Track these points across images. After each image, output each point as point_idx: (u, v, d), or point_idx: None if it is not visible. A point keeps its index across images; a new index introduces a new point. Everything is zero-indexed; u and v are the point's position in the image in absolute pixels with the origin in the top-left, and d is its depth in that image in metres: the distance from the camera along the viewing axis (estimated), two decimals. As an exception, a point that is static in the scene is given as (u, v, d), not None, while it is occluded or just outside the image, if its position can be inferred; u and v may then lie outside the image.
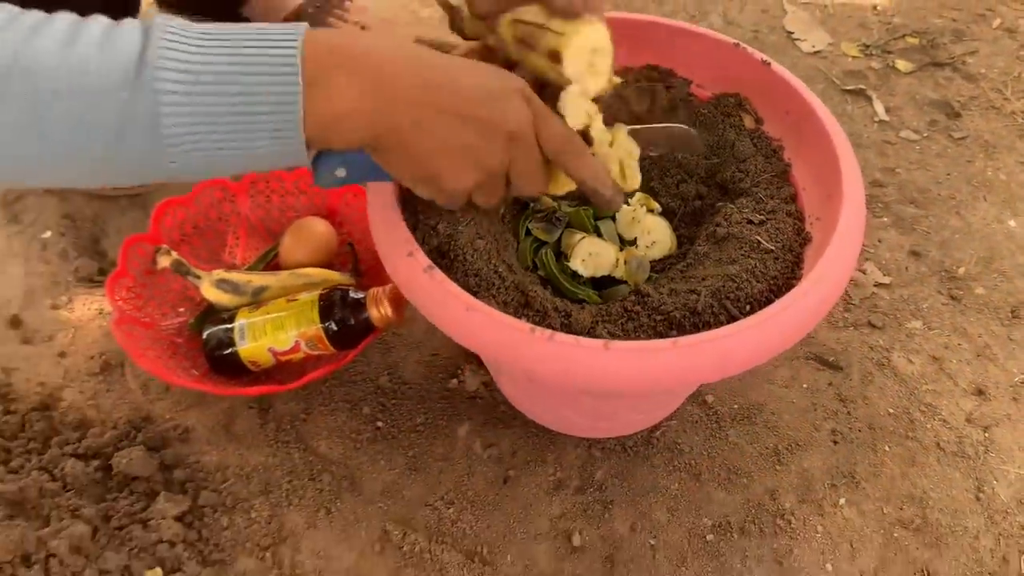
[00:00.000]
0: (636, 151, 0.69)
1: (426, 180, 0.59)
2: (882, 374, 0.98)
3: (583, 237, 0.82)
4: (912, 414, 0.94)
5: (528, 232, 0.84)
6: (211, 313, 0.98)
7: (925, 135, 1.23)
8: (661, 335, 0.70)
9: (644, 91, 0.87)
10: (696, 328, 0.70)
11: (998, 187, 1.16)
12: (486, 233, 0.76)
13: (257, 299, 0.96)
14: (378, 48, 0.54)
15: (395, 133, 0.55)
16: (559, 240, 0.83)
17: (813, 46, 1.34)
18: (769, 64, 0.84)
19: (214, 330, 0.94)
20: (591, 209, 0.85)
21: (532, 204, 0.85)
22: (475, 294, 0.70)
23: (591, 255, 0.81)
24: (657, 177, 0.88)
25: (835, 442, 0.92)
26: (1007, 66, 1.32)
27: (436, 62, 0.56)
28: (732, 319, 0.70)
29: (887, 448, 0.92)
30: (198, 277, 0.97)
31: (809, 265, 0.74)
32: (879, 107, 1.25)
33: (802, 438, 0.93)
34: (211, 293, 0.96)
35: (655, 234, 0.83)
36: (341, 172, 0.64)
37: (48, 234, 1.10)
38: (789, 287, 0.73)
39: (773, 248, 0.75)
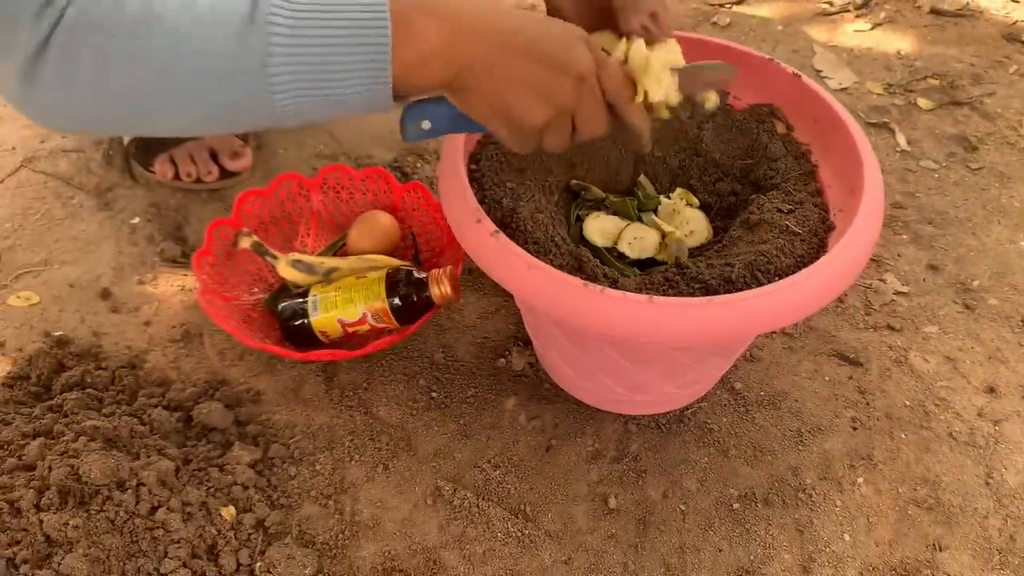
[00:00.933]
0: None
1: (501, 116, 0.64)
2: (899, 371, 1.05)
3: (627, 224, 0.91)
4: (927, 407, 1.02)
5: (579, 219, 0.94)
6: (285, 291, 1.07)
7: (944, 165, 1.32)
8: (699, 299, 0.79)
9: (687, 100, 0.98)
10: (729, 294, 0.78)
11: (1012, 212, 1.25)
12: (544, 210, 0.86)
13: (328, 278, 1.06)
14: None
15: (473, 72, 0.61)
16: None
17: (840, 83, 1.44)
18: (799, 76, 0.94)
19: (289, 303, 1.03)
20: (635, 200, 0.95)
21: (582, 193, 0.95)
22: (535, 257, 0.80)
23: (636, 239, 0.90)
24: (696, 176, 0.98)
25: (854, 428, 1.00)
26: (1022, 107, 1.41)
27: (509, 11, 0.64)
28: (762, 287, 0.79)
29: (903, 436, 0.99)
30: (275, 257, 1.07)
31: (833, 247, 0.83)
32: (901, 139, 1.35)
33: (824, 423, 1.00)
34: (287, 272, 1.06)
35: (693, 224, 0.93)
36: (426, 124, 0.71)
37: (136, 220, 1.21)
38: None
39: (800, 232, 0.84)
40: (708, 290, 0.79)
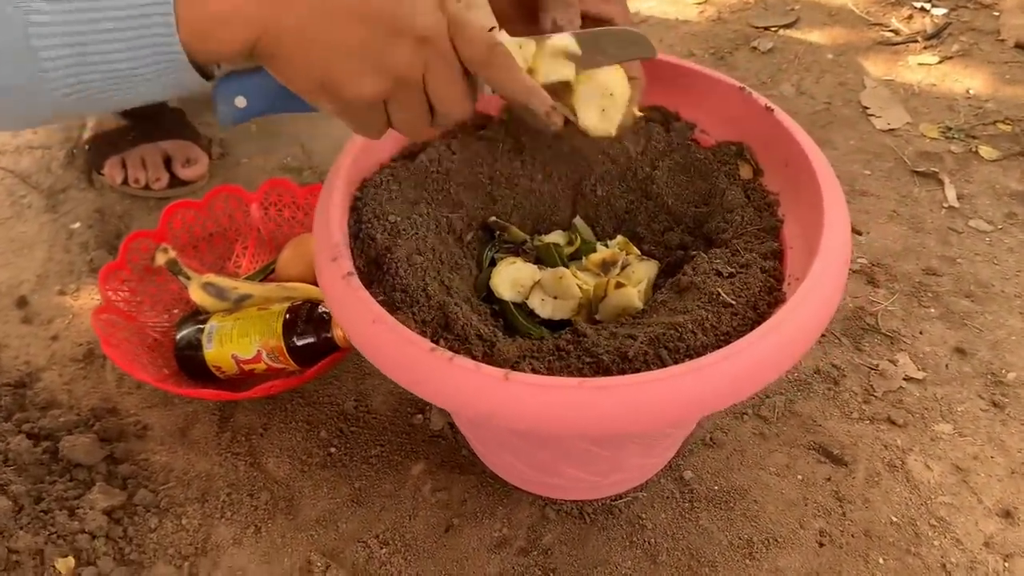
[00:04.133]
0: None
1: (323, 89, 0.52)
2: (892, 477, 0.86)
3: (541, 275, 0.76)
4: (919, 527, 0.82)
5: (492, 263, 0.79)
6: (194, 316, 0.97)
7: (999, 227, 1.10)
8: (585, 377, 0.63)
9: (640, 131, 0.82)
10: (623, 374, 0.63)
11: (1074, 292, 1.02)
12: (428, 251, 0.72)
13: (239, 306, 0.95)
14: None
15: (282, 34, 0.49)
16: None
17: (888, 124, 1.24)
18: (772, 111, 0.77)
19: (187, 331, 0.93)
20: (562, 247, 0.80)
21: (499, 233, 0.80)
22: (395, 309, 0.66)
23: (550, 296, 0.75)
24: (643, 222, 0.82)
25: (821, 544, 0.81)
26: (1109, 164, 1.18)
27: None
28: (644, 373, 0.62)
29: (881, 560, 0.79)
30: (188, 278, 0.97)
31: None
32: (951, 192, 1.14)
33: (784, 534, 0.82)
34: (197, 295, 0.95)
35: (639, 278, 0.76)
36: (240, 101, 0.58)
37: (77, 225, 1.14)
38: (742, 346, 0.65)
39: (733, 303, 0.67)
40: (599, 366, 0.63)
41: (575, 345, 0.65)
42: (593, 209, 0.83)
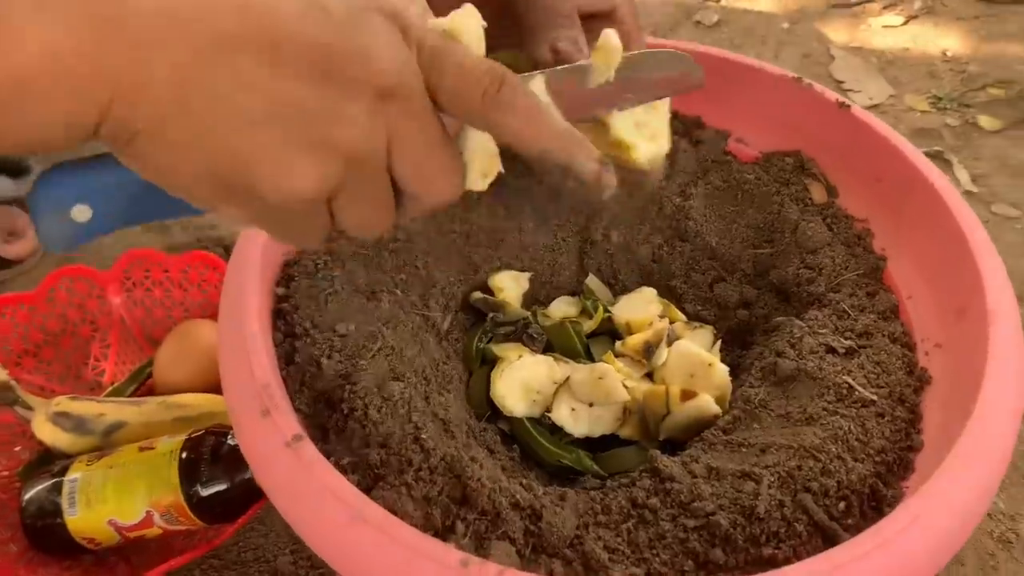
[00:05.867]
0: None
1: (223, 185, 0.29)
2: (1010, 556, 0.67)
3: (567, 377, 0.52)
4: (1063, 621, 0.64)
5: (484, 360, 0.55)
6: (44, 462, 0.69)
7: (1027, 210, 0.94)
8: (695, 556, 0.40)
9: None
10: (755, 544, 0.40)
11: None
12: (408, 369, 0.47)
13: (109, 440, 0.68)
14: None
15: (148, 98, 0.26)
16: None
17: (871, 98, 1.07)
18: (849, 107, 0.56)
19: (37, 490, 0.64)
20: (580, 324, 0.56)
21: (492, 314, 0.56)
22: (377, 480, 0.42)
23: (583, 403, 0.52)
24: (680, 273, 0.59)
25: (952, 669, 0.61)
26: (1120, 122, 1.04)
27: None
28: (819, 530, 0.40)
29: None
30: (29, 408, 0.68)
31: (937, 424, 0.45)
32: (962, 174, 0.97)
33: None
34: (45, 431, 0.67)
35: (716, 377, 0.52)
36: (82, 212, 0.33)
37: None
38: (907, 466, 0.44)
39: (875, 398, 0.45)
40: (713, 535, 0.40)
41: (662, 498, 0.42)
42: (608, 262, 0.60)
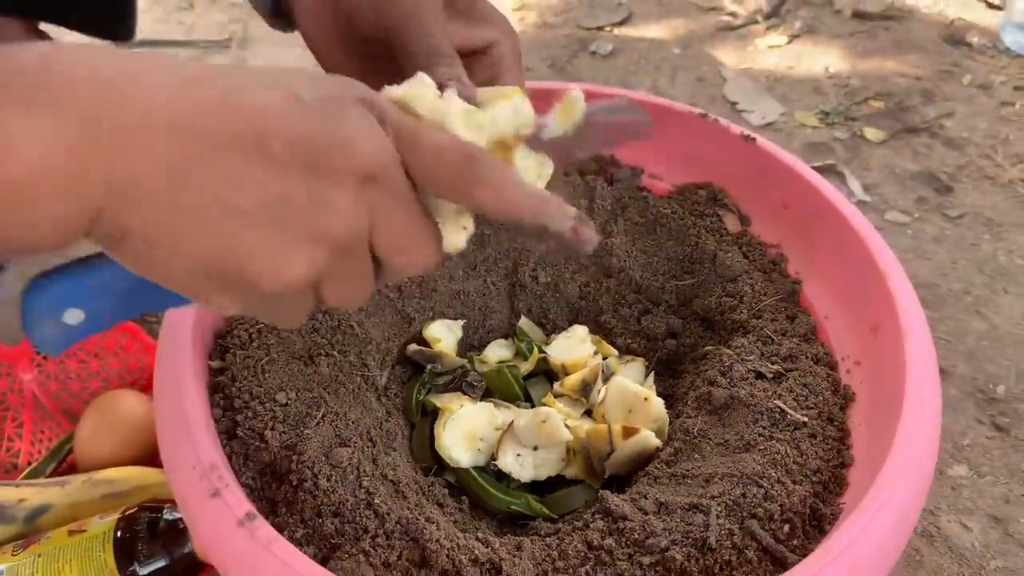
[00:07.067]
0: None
1: (219, 279, 0.30)
2: (933, 549, 0.71)
3: (510, 424, 0.53)
4: (986, 606, 0.67)
5: (424, 411, 0.55)
6: (-38, 555, 0.65)
7: (916, 216, 1.00)
8: (655, 593, 0.41)
9: (578, 190, 0.61)
10: (709, 575, 0.41)
11: (1016, 274, 0.93)
12: (353, 433, 0.47)
13: (33, 526, 0.64)
14: (99, 58, 0.27)
15: (140, 199, 0.27)
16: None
17: (763, 117, 1.11)
18: (754, 140, 0.59)
19: (-43, 587, 0.61)
20: (517, 368, 0.57)
21: (430, 365, 0.56)
22: (334, 550, 0.41)
23: (527, 448, 0.52)
24: (609, 308, 0.61)
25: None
26: (991, 128, 1.11)
27: (205, 71, 0.28)
28: (768, 554, 0.42)
29: (962, 665, 0.64)
30: (-58, 499, 0.64)
31: (864, 438, 0.47)
32: (855, 185, 1.03)
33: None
34: (-38, 523, 0.64)
35: (653, 413, 0.53)
36: (74, 315, 0.33)
37: None
38: (841, 483, 0.46)
39: (806, 419, 0.48)
40: (667, 570, 0.42)
41: (616, 536, 0.44)
42: (538, 302, 0.61)
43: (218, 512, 0.40)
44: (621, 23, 1.32)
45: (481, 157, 0.32)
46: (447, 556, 0.41)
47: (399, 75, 0.37)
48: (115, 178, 0.26)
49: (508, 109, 0.35)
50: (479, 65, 0.45)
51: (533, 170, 0.37)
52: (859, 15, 1.31)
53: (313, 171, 0.28)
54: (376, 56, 0.46)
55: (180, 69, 0.28)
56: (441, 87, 0.40)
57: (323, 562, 0.41)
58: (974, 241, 0.98)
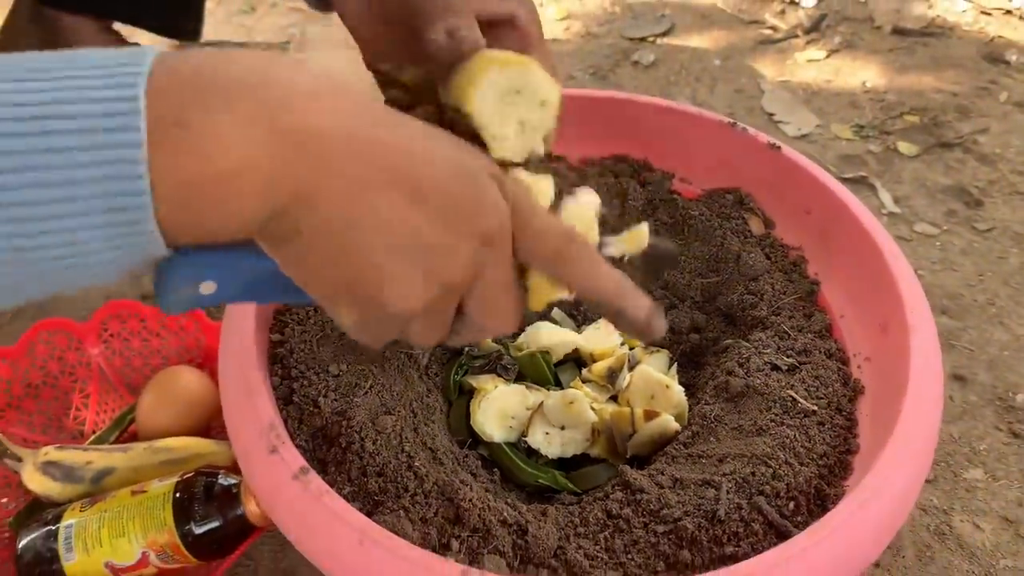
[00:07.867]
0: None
1: (348, 289, 0.34)
2: (944, 547, 0.74)
3: (539, 404, 0.57)
4: (993, 603, 0.70)
5: (462, 391, 0.60)
6: (35, 510, 0.71)
7: (944, 228, 1.02)
8: (666, 557, 0.45)
9: (612, 190, 0.65)
10: (718, 544, 0.45)
11: (1043, 288, 0.95)
12: (397, 403, 0.52)
13: (99, 487, 0.70)
14: (284, 73, 0.31)
15: (320, 204, 0.31)
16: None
17: (799, 129, 1.14)
18: (779, 148, 0.62)
19: (32, 537, 0.66)
20: (549, 354, 0.61)
21: (466, 349, 0.61)
22: (377, 506, 0.46)
23: (555, 427, 0.57)
24: (636, 303, 0.65)
25: (897, 652, 0.67)
26: (1024, 144, 1.13)
27: (376, 108, 0.34)
28: (773, 528, 0.46)
29: (968, 657, 0.67)
30: (18, 459, 0.70)
31: (870, 429, 0.51)
32: (886, 197, 1.05)
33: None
34: (35, 481, 0.69)
35: (673, 398, 0.57)
36: (208, 286, 0.37)
37: None
38: (846, 468, 0.49)
39: (816, 408, 0.51)
40: (681, 538, 0.45)
41: (634, 507, 0.47)
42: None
43: (275, 466, 0.45)
44: (663, 34, 1.36)
45: (579, 240, 0.37)
46: (479, 516, 0.46)
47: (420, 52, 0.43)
48: (304, 185, 0.30)
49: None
50: (505, 37, 0.47)
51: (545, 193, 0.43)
52: (899, 31, 1.34)
53: (453, 223, 0.33)
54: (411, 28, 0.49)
55: (347, 95, 0.32)
56: (452, 35, 0.44)
57: (367, 515, 0.45)
58: (1001, 254, 1.00)
